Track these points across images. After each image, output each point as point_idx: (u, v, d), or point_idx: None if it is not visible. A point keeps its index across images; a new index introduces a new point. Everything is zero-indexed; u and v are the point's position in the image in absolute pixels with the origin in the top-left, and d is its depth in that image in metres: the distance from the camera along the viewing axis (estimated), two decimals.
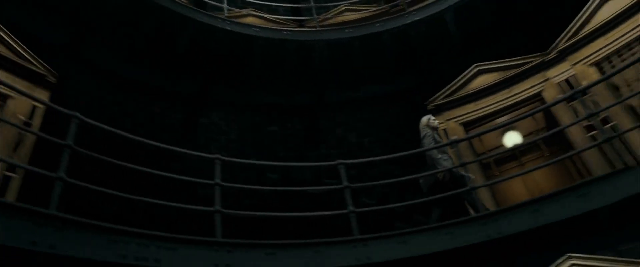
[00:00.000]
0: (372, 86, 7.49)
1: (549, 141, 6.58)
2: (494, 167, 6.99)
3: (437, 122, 5.46)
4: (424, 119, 5.39)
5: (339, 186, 4.38)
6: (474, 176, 5.45)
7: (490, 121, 6.26)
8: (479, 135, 6.10)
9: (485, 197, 5.36)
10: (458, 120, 6.32)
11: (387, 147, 7.26)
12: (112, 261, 3.29)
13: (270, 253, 3.87)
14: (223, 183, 4.19)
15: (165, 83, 6.98)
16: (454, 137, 6.06)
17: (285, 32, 7.02)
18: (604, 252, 3.39)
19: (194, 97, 7.11)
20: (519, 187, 6.79)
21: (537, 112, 5.87)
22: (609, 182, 3.75)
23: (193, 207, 4.05)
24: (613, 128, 4.78)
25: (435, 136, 5.23)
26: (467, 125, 6.25)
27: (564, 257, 3.12)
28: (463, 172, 4.69)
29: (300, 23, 8.08)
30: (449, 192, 4.44)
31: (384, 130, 7.53)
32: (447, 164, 4.85)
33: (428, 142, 5.06)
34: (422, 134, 5.24)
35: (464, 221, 3.96)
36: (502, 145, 6.89)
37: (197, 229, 4.09)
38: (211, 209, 3.99)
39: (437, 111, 6.45)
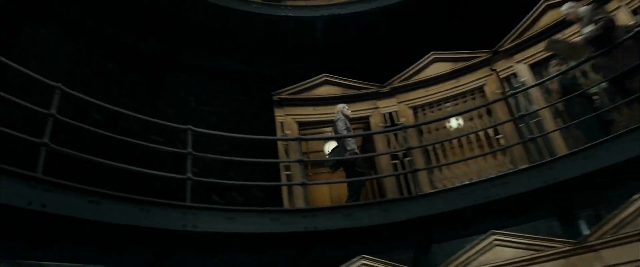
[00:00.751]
0: (229, 61, 7.53)
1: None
2: (309, 168, 7.84)
3: (350, 111, 6.12)
4: (339, 106, 6.06)
5: (184, 151, 4.40)
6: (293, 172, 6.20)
7: (321, 128, 7.04)
8: (308, 139, 6.81)
9: (299, 194, 6.01)
10: (295, 118, 6.91)
11: (224, 122, 7.41)
12: None
13: (95, 201, 3.65)
14: (59, 116, 3.78)
15: None
16: (287, 132, 6.68)
17: None
18: (382, 256, 4.33)
19: (23, 3, 5.96)
20: (325, 190, 7.78)
21: (362, 135, 6.91)
22: (401, 205, 4.71)
23: (16, 133, 3.53)
24: (410, 163, 6.00)
25: (347, 122, 5.86)
26: (302, 125, 6.88)
27: (358, 257, 3.91)
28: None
29: None
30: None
31: (225, 104, 7.62)
32: (353, 146, 5.57)
33: (340, 125, 5.73)
34: (336, 118, 5.87)
35: (288, 210, 4.48)
36: (322, 151, 7.78)
37: None
38: (37, 140, 3.56)
39: (280, 104, 6.92)
